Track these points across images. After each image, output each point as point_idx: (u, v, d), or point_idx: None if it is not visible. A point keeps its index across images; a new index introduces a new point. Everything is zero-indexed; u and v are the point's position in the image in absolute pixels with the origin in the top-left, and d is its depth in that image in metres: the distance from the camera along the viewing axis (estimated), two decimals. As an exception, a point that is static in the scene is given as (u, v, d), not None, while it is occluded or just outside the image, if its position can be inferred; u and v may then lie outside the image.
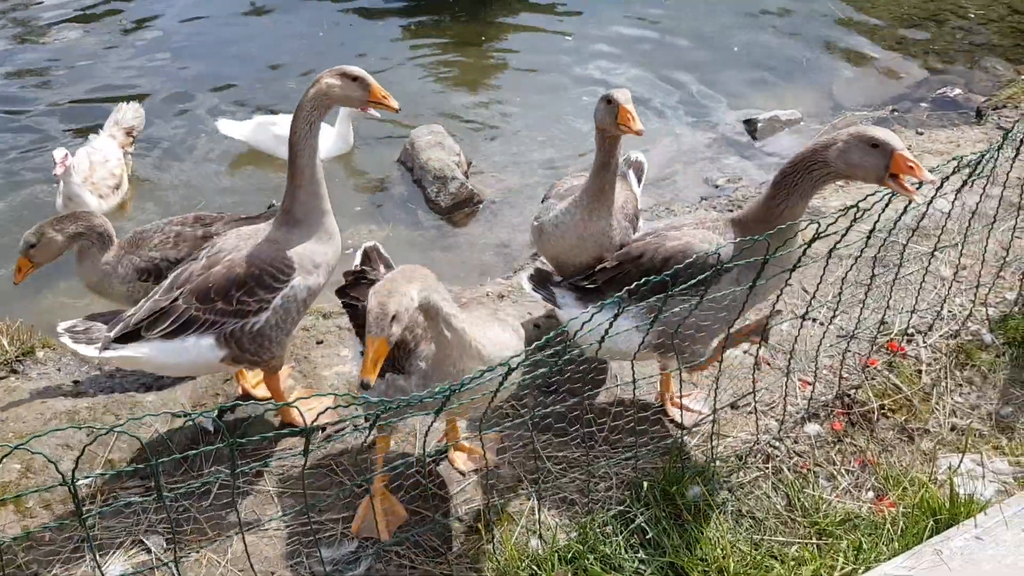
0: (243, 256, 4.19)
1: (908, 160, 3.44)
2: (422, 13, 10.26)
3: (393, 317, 3.01)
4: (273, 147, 7.55)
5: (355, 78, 4.10)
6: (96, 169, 7.00)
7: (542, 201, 4.87)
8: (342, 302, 4.19)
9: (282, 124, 7.46)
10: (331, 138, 7.64)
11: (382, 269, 4.27)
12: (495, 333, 3.51)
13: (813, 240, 3.53)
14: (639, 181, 5.24)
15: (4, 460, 2.80)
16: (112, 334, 4.19)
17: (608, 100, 4.14)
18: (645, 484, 3.94)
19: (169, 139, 8.12)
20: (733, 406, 4.58)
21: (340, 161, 7.79)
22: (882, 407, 4.49)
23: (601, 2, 10.42)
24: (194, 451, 2.89)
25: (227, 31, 10.00)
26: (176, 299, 4.18)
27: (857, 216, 3.55)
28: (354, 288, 4.12)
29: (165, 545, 4.07)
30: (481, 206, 7.27)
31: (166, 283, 4.31)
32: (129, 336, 4.18)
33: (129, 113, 7.57)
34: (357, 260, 4.36)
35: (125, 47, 9.66)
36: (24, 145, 8.05)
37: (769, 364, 4.86)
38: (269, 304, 4.19)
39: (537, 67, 9.17)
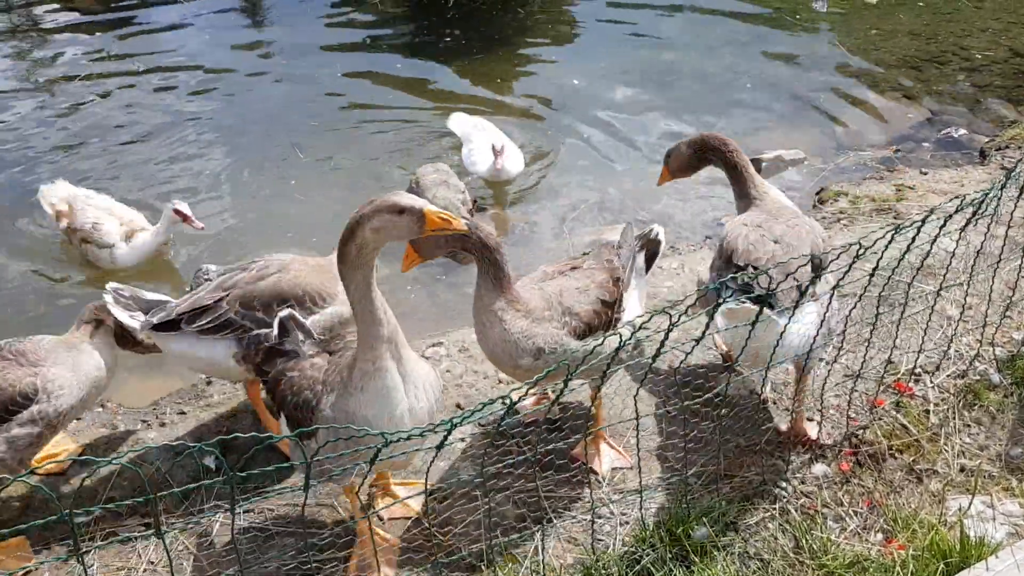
0: (291, 277, 4.56)
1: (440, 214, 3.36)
2: (424, 52, 10.37)
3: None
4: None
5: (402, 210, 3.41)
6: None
7: None
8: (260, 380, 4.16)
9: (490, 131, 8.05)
10: None
11: (300, 337, 4.04)
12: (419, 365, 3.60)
13: (815, 277, 3.52)
14: (648, 264, 4.72)
15: (4, 495, 2.77)
16: (155, 320, 4.49)
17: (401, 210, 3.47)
18: (651, 524, 3.89)
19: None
20: (738, 446, 4.53)
21: (343, 201, 7.81)
22: (890, 447, 4.43)
23: (602, 45, 10.54)
24: (194, 485, 2.85)
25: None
26: (220, 300, 4.49)
27: (859, 254, 3.53)
28: (268, 363, 4.00)
29: (163, 583, 4.03)
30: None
31: (212, 284, 4.61)
32: (169, 325, 4.49)
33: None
34: (274, 331, 4.09)
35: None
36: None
37: (776, 404, 4.81)
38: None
39: (541, 107, 9.24)
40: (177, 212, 6.58)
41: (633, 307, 4.46)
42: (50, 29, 11.18)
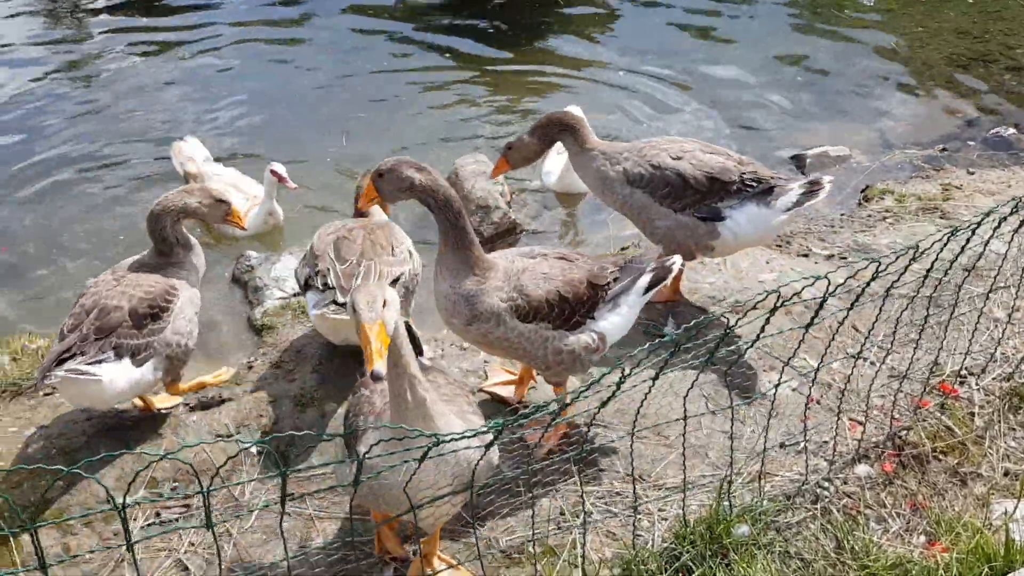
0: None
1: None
2: (464, 37, 10.37)
3: (385, 301, 2.97)
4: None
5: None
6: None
7: None
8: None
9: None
10: None
11: None
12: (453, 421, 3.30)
13: (871, 281, 3.47)
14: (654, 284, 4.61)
15: (49, 487, 2.81)
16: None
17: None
18: (691, 521, 3.88)
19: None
20: (782, 445, 4.51)
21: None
22: (934, 449, 4.38)
23: (647, 38, 10.46)
24: (245, 480, 2.87)
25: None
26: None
27: (916, 256, 3.49)
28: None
29: (205, 567, 4.07)
30: (523, 236, 7.27)
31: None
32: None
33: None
34: None
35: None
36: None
37: (819, 403, 4.78)
38: None
39: (585, 99, 9.19)
40: (273, 172, 6.90)
41: (614, 322, 4.37)
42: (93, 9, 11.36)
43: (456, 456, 3.19)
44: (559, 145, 7.85)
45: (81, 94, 9.45)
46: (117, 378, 4.42)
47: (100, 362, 4.36)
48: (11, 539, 4.21)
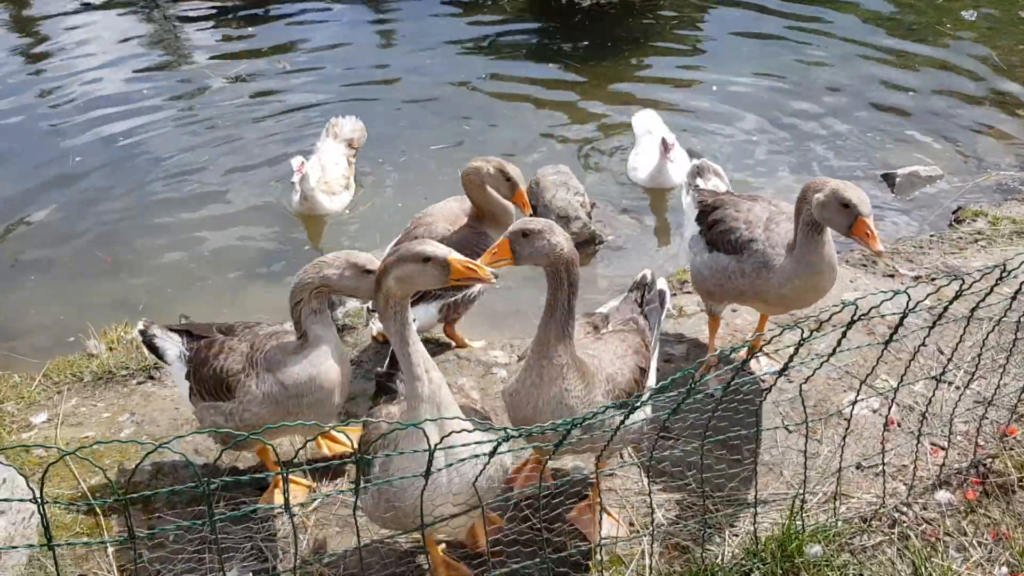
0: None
1: (867, 228, 3.99)
2: (549, 55, 10.44)
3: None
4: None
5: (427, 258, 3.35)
6: (328, 171, 7.74)
7: None
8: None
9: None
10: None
11: None
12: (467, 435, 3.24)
13: (954, 299, 3.40)
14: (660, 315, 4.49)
15: (141, 462, 2.95)
16: None
17: (845, 204, 4.02)
18: (762, 538, 3.84)
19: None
20: (859, 467, 4.42)
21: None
22: (1020, 479, 4.24)
23: (736, 51, 10.37)
24: (321, 464, 2.97)
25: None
26: None
27: (1002, 276, 3.40)
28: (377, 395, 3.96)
29: (281, 556, 4.20)
30: (602, 247, 7.28)
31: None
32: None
33: (347, 126, 8.20)
34: (386, 364, 4.06)
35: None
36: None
37: (899, 426, 4.67)
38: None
39: (670, 111, 9.15)
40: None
41: (654, 370, 4.20)
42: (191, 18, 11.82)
43: (467, 464, 3.16)
44: (653, 137, 7.69)
45: (188, 105, 9.82)
46: None
47: None
48: (101, 516, 4.42)
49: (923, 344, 3.87)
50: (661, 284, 4.58)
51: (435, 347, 5.79)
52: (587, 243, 7.24)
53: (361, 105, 9.30)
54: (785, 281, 4.45)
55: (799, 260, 4.38)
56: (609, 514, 4.26)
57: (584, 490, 4.44)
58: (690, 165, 5.65)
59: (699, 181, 5.41)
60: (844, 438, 3.97)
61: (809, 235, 4.28)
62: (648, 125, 8.07)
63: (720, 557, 3.93)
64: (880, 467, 4.16)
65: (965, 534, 4.01)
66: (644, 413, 3.89)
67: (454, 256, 3.23)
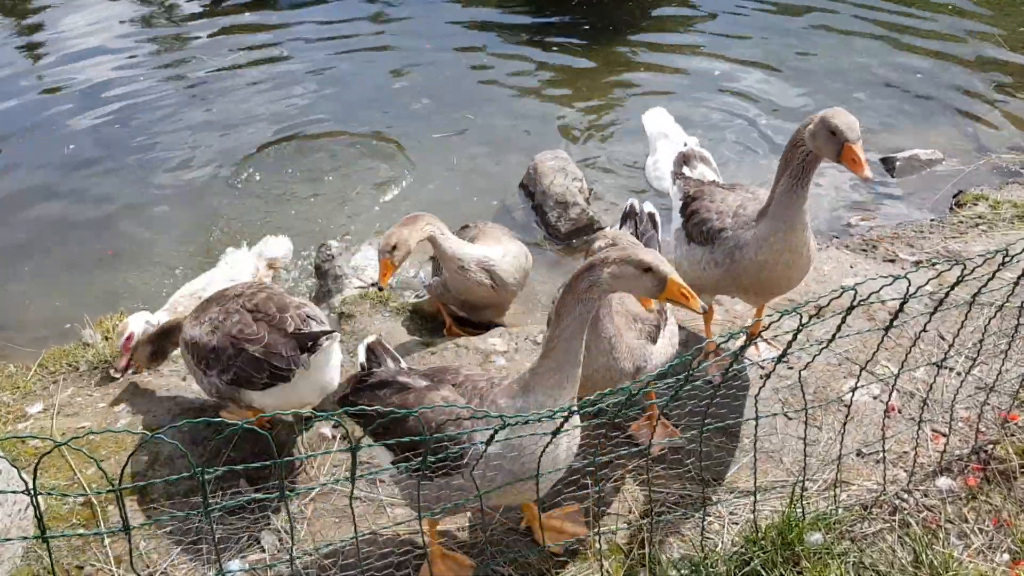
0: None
1: (854, 154, 3.95)
2: (547, 40, 10.37)
3: (394, 247, 4.49)
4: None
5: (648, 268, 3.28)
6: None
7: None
8: (348, 412, 3.74)
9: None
10: None
11: (389, 363, 3.97)
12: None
13: (956, 284, 3.36)
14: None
15: (135, 451, 2.94)
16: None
17: (832, 131, 3.99)
18: (763, 526, 3.81)
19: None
20: (859, 453, 4.39)
21: (464, 183, 7.94)
22: (1022, 465, 4.21)
23: (735, 39, 10.30)
24: (318, 453, 2.94)
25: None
26: None
27: (1005, 261, 3.36)
28: (359, 394, 3.74)
29: (279, 545, 4.17)
30: (600, 233, 7.23)
31: None
32: None
33: (276, 247, 6.66)
34: (361, 357, 4.05)
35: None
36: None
37: (900, 412, 4.64)
38: None
39: (670, 96, 9.10)
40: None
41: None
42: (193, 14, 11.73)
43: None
44: (671, 143, 7.60)
45: (183, 90, 9.75)
46: None
47: None
48: (97, 506, 4.39)
49: (924, 330, 3.84)
50: (649, 207, 4.73)
51: (432, 336, 5.76)
52: (585, 229, 7.21)
53: (359, 91, 9.26)
54: (761, 244, 4.35)
55: (774, 216, 4.29)
56: (665, 424, 4.57)
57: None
58: (675, 154, 5.57)
59: (685, 169, 5.32)
60: (844, 425, 3.95)
61: (791, 190, 4.19)
62: (662, 127, 7.69)
63: (720, 545, 3.91)
64: (881, 454, 4.14)
65: (966, 521, 3.99)
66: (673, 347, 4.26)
67: (675, 276, 3.22)
